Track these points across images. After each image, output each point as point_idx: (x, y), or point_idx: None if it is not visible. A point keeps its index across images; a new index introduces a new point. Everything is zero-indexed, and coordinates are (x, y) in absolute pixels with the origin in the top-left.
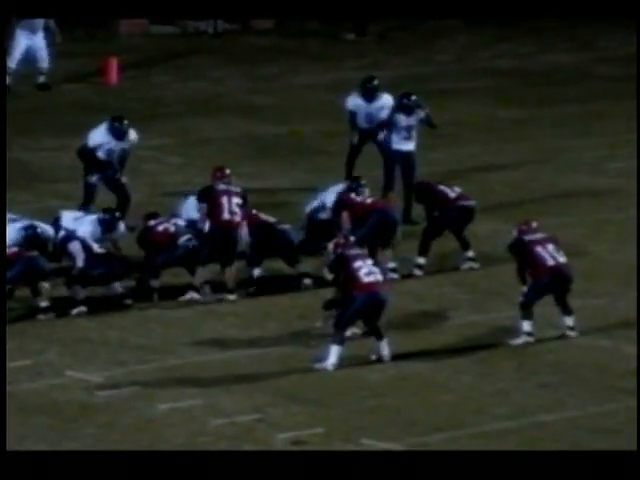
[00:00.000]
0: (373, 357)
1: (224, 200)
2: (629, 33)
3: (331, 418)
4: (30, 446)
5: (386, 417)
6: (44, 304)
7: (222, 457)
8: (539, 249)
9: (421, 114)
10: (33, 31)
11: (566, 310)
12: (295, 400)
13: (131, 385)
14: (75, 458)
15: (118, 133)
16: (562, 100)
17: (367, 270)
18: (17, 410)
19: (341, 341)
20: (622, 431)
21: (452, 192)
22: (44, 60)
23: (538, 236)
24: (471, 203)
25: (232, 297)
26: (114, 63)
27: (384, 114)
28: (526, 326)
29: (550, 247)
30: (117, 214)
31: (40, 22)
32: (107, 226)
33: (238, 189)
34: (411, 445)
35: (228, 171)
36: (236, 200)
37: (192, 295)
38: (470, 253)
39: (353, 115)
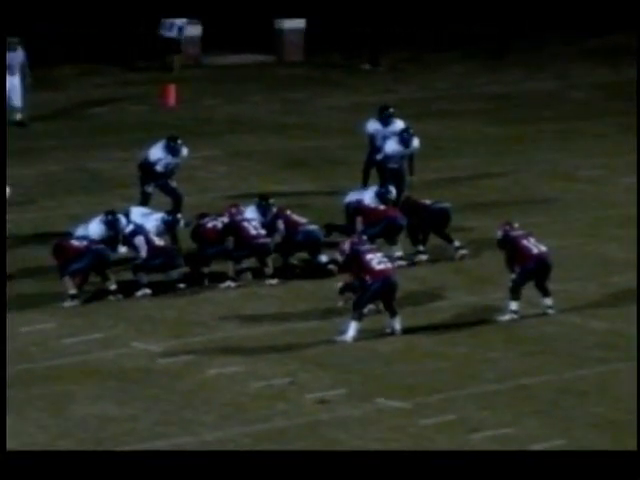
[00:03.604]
0: (387, 330)
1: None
2: (596, 64)
3: (351, 381)
4: (102, 405)
5: (396, 381)
6: (113, 287)
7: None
8: (524, 241)
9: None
10: (12, 73)
11: (546, 292)
12: (321, 366)
13: (185, 354)
14: (75, 458)
15: (173, 150)
16: (541, 120)
17: (378, 260)
18: (91, 375)
19: (359, 318)
20: (590, 392)
21: (427, 201)
22: (19, 99)
23: (520, 232)
24: (446, 205)
25: (273, 282)
26: (172, 89)
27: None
28: (513, 305)
29: (532, 239)
30: (178, 216)
31: (17, 65)
32: (169, 226)
33: None
34: (415, 404)
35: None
36: None
37: (229, 284)
38: (456, 243)
39: (373, 137)
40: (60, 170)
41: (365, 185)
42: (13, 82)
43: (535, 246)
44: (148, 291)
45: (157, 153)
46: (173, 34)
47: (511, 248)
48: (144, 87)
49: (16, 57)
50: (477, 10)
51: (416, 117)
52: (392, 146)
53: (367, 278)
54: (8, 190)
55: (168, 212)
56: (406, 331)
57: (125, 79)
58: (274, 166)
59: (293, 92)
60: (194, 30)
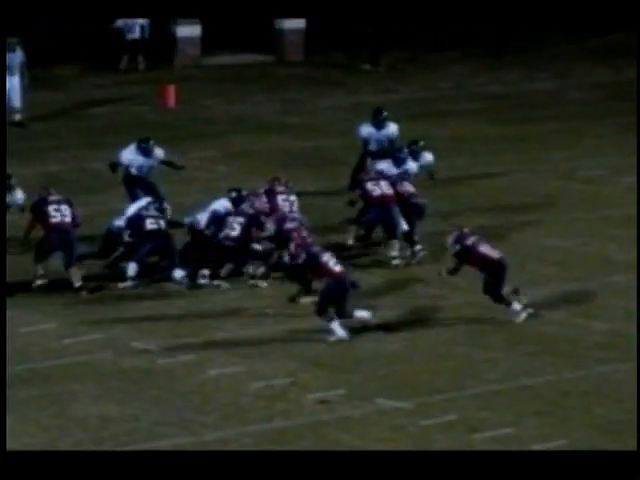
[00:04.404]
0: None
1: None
2: (596, 64)
3: (351, 381)
4: (102, 405)
5: (396, 381)
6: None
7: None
8: (482, 248)
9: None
10: (11, 73)
11: (516, 291)
12: (321, 366)
13: (186, 354)
14: (75, 458)
15: (145, 152)
16: (541, 120)
17: (333, 261)
18: (91, 375)
19: (332, 318)
20: (591, 392)
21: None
22: (18, 100)
23: (473, 238)
24: (422, 201)
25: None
26: (172, 89)
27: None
28: (516, 306)
29: (487, 245)
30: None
31: (16, 65)
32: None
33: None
34: (417, 404)
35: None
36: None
37: (220, 283)
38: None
39: (366, 141)
40: (60, 170)
41: (353, 188)
42: (12, 83)
43: (492, 251)
44: (130, 284)
45: (129, 155)
46: (136, 35)
47: (471, 257)
48: (144, 87)
49: (15, 58)
50: (477, 10)
51: (416, 117)
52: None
53: (324, 280)
54: (21, 195)
55: (232, 189)
56: (407, 331)
57: (125, 79)
58: (274, 166)
59: (293, 92)
60: (194, 30)
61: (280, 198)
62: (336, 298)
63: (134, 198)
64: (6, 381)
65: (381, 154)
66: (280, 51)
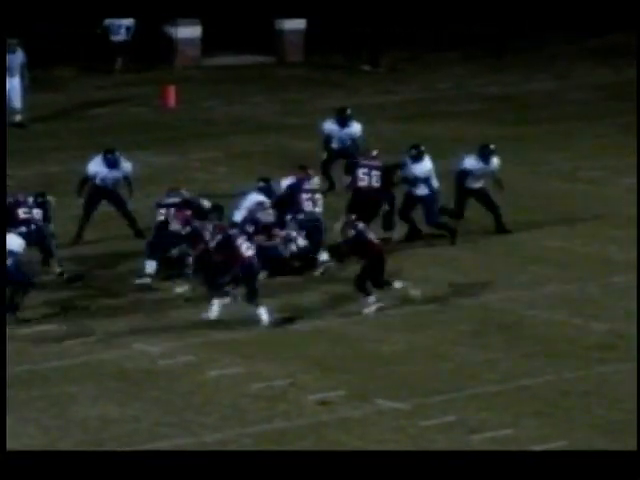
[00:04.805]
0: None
1: None
2: (596, 64)
3: (351, 382)
4: (103, 406)
5: (396, 382)
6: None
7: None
8: (370, 236)
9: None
10: (11, 75)
11: (386, 283)
12: (321, 367)
13: (186, 355)
14: (75, 458)
15: (110, 163)
16: (541, 120)
17: (246, 245)
18: (91, 376)
19: (223, 295)
20: (591, 393)
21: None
22: (18, 101)
23: (362, 225)
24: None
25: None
26: (172, 90)
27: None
28: (372, 299)
29: (371, 234)
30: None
31: (16, 66)
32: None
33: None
34: (416, 405)
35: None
36: None
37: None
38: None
39: (328, 138)
40: (60, 171)
41: (331, 185)
42: (13, 84)
43: (375, 238)
44: (148, 280)
45: (94, 167)
46: (121, 37)
47: (360, 245)
48: (144, 88)
49: (15, 59)
50: (477, 10)
51: (416, 118)
52: (471, 162)
53: (234, 262)
54: (52, 199)
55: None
56: (407, 332)
57: (125, 80)
58: (273, 166)
59: (293, 93)
60: (194, 31)
61: (304, 197)
62: (245, 280)
63: (89, 210)
64: (6, 381)
65: (344, 153)
66: (280, 52)
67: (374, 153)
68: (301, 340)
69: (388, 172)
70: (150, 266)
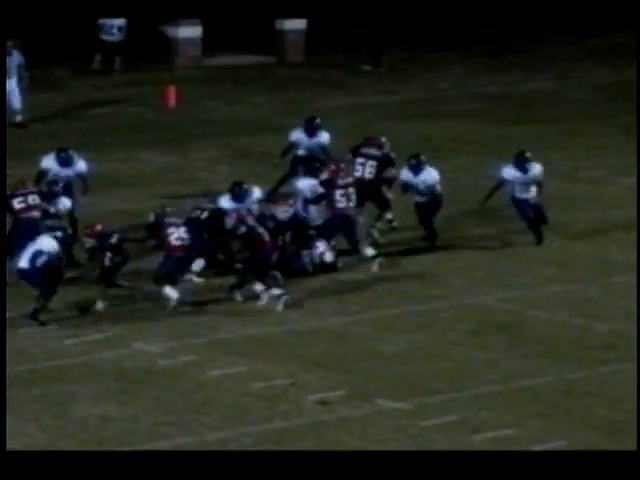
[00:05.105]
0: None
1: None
2: (596, 64)
3: (352, 382)
4: (103, 406)
5: (397, 381)
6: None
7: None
8: (171, 230)
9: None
10: (8, 76)
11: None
12: (322, 367)
13: (186, 355)
14: (75, 458)
15: (62, 161)
16: (541, 120)
17: (175, 237)
18: (92, 375)
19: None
20: (592, 393)
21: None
22: (18, 102)
23: (173, 219)
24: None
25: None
26: (172, 90)
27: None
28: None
29: (182, 230)
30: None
31: (14, 68)
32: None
33: None
34: (417, 405)
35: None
36: None
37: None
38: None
39: (293, 145)
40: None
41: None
42: (11, 85)
43: (183, 236)
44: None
45: (46, 163)
46: (114, 37)
47: (162, 237)
48: (143, 88)
49: (12, 60)
50: (477, 10)
51: (416, 117)
52: (509, 172)
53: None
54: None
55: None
56: (407, 331)
57: (124, 80)
58: (275, 167)
59: (294, 93)
60: (194, 31)
61: (338, 192)
62: (173, 269)
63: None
64: (6, 381)
65: (312, 161)
66: (281, 52)
67: (383, 139)
68: (301, 340)
69: (384, 163)
70: (197, 265)
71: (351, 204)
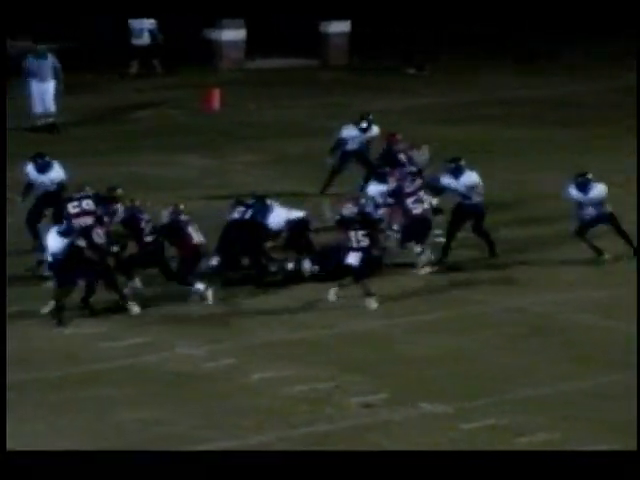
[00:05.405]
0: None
1: None
2: (603, 67)
3: (393, 385)
4: (144, 409)
5: (438, 385)
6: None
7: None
8: (190, 229)
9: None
10: (43, 79)
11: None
12: (363, 370)
13: (229, 358)
14: (73, 458)
15: (38, 168)
16: (583, 122)
17: (150, 237)
18: (133, 379)
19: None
20: (624, 396)
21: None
22: (51, 105)
23: (187, 217)
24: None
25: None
26: (216, 92)
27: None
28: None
29: (194, 228)
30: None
31: (49, 71)
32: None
33: None
34: (458, 408)
35: None
36: None
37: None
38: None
39: (343, 141)
40: (100, 174)
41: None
42: (46, 87)
43: (196, 234)
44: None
45: (26, 168)
46: (144, 41)
47: (178, 236)
48: (185, 91)
49: (47, 64)
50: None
51: (460, 121)
52: (574, 192)
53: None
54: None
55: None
56: (449, 336)
57: (165, 83)
58: (318, 170)
59: (337, 96)
60: (238, 34)
61: (410, 200)
62: (146, 264)
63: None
64: (6, 382)
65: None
66: (324, 55)
67: (398, 137)
68: (343, 343)
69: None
70: (307, 265)
71: (425, 205)
